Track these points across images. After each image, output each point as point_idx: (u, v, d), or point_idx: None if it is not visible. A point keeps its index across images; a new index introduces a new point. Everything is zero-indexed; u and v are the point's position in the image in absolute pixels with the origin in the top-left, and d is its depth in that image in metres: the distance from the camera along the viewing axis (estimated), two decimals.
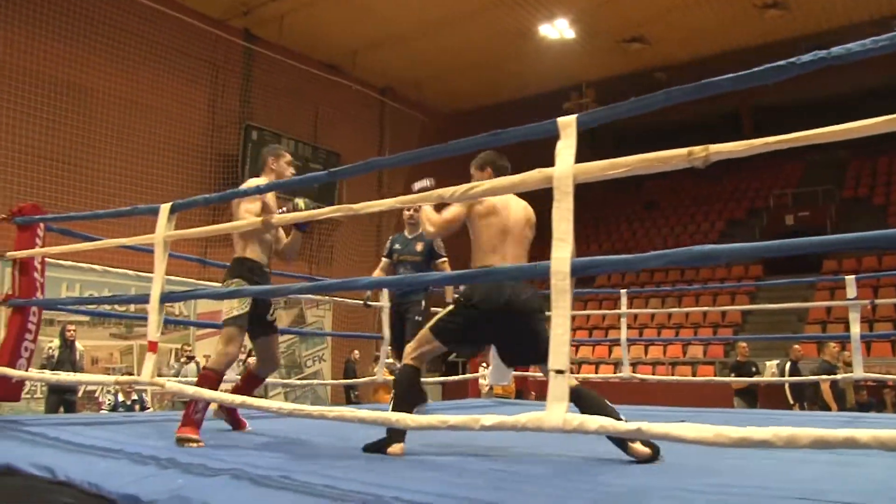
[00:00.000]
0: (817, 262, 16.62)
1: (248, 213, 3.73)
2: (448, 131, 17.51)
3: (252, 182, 3.87)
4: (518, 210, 3.55)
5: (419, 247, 5.60)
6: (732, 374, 10.58)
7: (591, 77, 17.76)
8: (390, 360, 11.05)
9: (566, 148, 2.13)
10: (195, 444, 3.45)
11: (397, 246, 5.73)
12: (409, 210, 5.47)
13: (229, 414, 4.36)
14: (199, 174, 14.14)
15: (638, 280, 18.39)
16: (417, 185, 3.51)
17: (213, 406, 3.93)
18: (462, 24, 14.98)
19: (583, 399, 3.01)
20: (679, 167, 2.01)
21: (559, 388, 2.02)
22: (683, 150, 1.95)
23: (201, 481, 2.45)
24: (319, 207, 3.15)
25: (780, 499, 2.32)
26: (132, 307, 10.13)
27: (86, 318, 10.97)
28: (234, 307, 3.81)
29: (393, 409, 3.19)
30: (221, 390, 3.54)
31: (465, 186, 2.37)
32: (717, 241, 18.22)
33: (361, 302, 6.51)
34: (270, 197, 3.89)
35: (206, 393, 3.12)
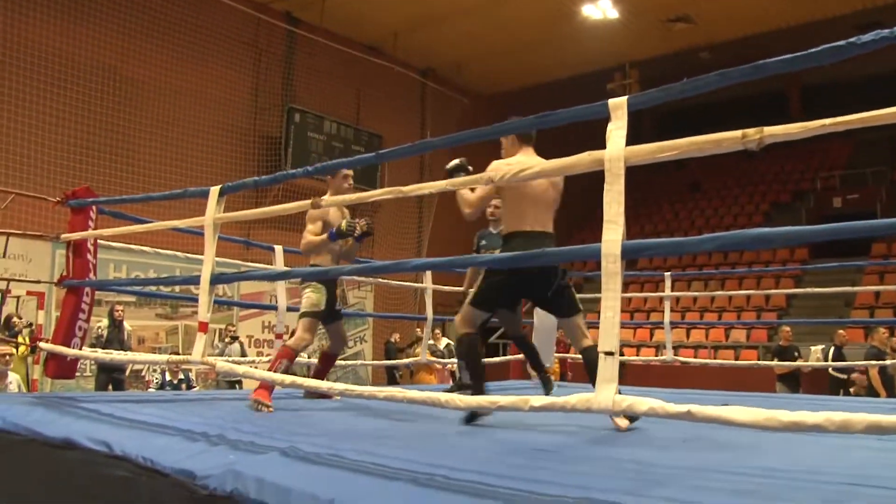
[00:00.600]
0: (866, 246, 16.28)
1: (310, 233, 4.58)
2: (489, 113, 17.47)
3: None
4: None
5: None
6: (775, 359, 10.44)
7: (635, 57, 17.53)
8: (432, 342, 11.16)
9: (617, 129, 2.12)
10: (267, 409, 4.04)
11: (484, 242, 5.79)
12: (491, 207, 5.47)
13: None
14: (243, 156, 14.34)
15: (680, 263, 18.17)
16: (450, 164, 3.89)
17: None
18: (504, 4, 14.91)
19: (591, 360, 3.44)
20: (732, 150, 2.00)
21: (609, 369, 2.03)
22: (737, 133, 1.94)
23: (252, 458, 2.50)
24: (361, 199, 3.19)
25: (830, 484, 2.30)
26: (177, 288, 10.36)
27: (132, 299, 11.20)
28: (313, 303, 4.53)
29: (469, 378, 4.00)
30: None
31: (515, 168, 2.37)
32: (762, 225, 18.08)
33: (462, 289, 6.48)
34: (333, 212, 4.67)
35: (256, 373, 3.17)
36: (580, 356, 3.87)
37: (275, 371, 4.20)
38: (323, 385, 2.83)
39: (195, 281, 3.38)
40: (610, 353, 2.04)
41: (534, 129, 2.36)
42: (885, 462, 2.84)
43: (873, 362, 9.02)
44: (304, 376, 4.64)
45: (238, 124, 14.40)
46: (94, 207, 4.69)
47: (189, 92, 13.48)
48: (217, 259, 3.47)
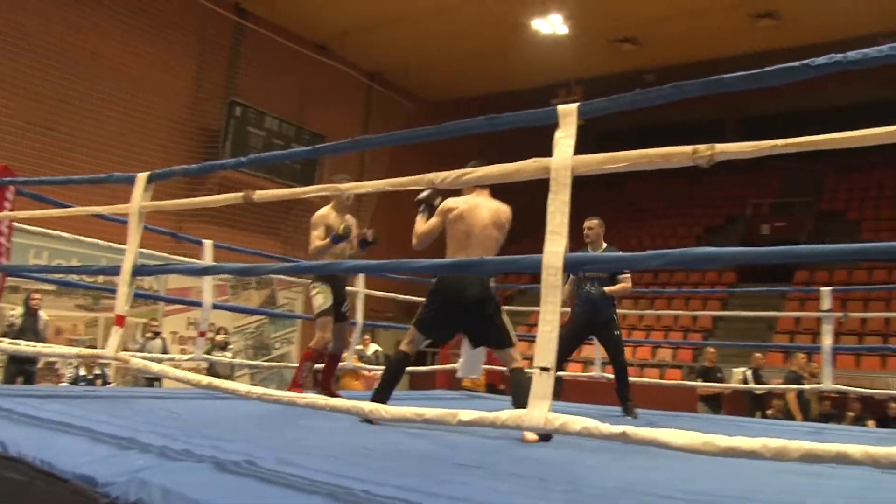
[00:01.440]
0: (789, 272, 16.72)
1: (316, 238, 4.96)
2: (433, 120, 17.19)
3: (320, 212, 5.10)
4: (484, 214, 4.10)
5: None
6: (699, 380, 10.58)
7: (581, 75, 17.67)
8: (360, 347, 10.99)
9: (565, 138, 2.05)
10: None
11: None
12: (586, 229, 5.92)
13: (325, 388, 5.21)
14: (180, 147, 13.90)
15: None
16: (420, 196, 4.25)
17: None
18: (456, 12, 14.87)
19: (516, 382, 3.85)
20: (682, 165, 1.94)
21: (543, 385, 1.95)
22: (688, 148, 1.88)
23: (162, 465, 2.34)
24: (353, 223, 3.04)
25: None
26: (100, 278, 9.98)
27: (52, 288, 10.75)
28: (322, 303, 4.90)
29: (377, 389, 4.07)
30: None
31: (457, 172, 2.29)
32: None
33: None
34: (333, 217, 5.04)
35: (172, 372, 3.00)
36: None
37: (301, 372, 4.82)
38: (241, 388, 2.68)
39: (115, 271, 3.19)
40: (545, 369, 1.96)
41: (482, 131, 2.27)
42: (813, 488, 2.83)
43: (791, 386, 9.22)
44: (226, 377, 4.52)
45: (177, 113, 13.96)
46: (11, 188, 4.44)
47: (128, 75, 12.93)
48: (144, 251, 3.31)
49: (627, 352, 15.20)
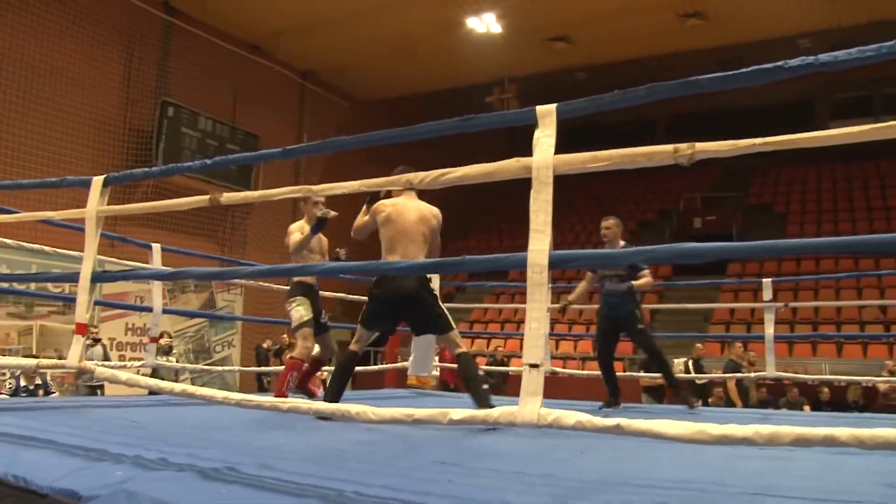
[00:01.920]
0: (722, 265, 17.21)
1: (294, 242, 5.11)
2: (369, 118, 17.39)
3: (293, 226, 5.29)
4: (412, 214, 4.42)
5: None
6: (643, 371, 10.80)
7: (515, 73, 17.86)
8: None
9: (545, 137, 2.09)
10: None
11: None
12: (603, 229, 6.03)
13: (304, 388, 5.37)
14: (111, 148, 13.51)
15: (565, 275, 18.59)
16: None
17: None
18: (389, 11, 14.83)
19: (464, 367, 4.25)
20: (663, 163, 2.00)
21: (533, 382, 1.99)
22: (669, 147, 1.94)
23: (144, 475, 2.30)
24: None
25: (737, 494, 2.35)
26: (33, 286, 9.66)
27: None
28: (303, 315, 5.10)
29: (328, 388, 4.44)
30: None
31: (436, 172, 2.30)
32: (629, 242, 18.76)
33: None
34: (306, 226, 5.17)
35: (142, 380, 2.95)
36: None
37: (286, 383, 4.87)
38: (218, 395, 2.64)
39: (74, 279, 3.11)
40: (535, 365, 1.99)
41: (456, 132, 2.29)
42: (776, 470, 2.93)
43: (730, 375, 9.51)
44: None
45: (106, 114, 13.53)
46: None
47: (53, 73, 12.43)
48: (75, 255, 3.22)
49: (569, 346, 15.50)
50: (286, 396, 4.66)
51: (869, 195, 18.99)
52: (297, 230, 5.19)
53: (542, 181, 2.05)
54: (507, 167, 2.18)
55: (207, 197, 2.90)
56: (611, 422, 1.86)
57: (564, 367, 13.31)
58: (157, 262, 5.36)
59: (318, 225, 4.98)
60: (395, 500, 2.09)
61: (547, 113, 2.13)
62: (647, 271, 5.93)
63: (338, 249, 5.44)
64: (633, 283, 5.81)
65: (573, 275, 18.25)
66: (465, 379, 4.34)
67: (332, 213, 4.90)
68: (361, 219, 4.57)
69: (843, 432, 1.66)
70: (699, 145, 1.93)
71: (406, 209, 4.44)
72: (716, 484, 2.52)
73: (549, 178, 2.04)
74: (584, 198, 23.15)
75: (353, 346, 4.40)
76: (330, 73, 17.91)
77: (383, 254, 4.38)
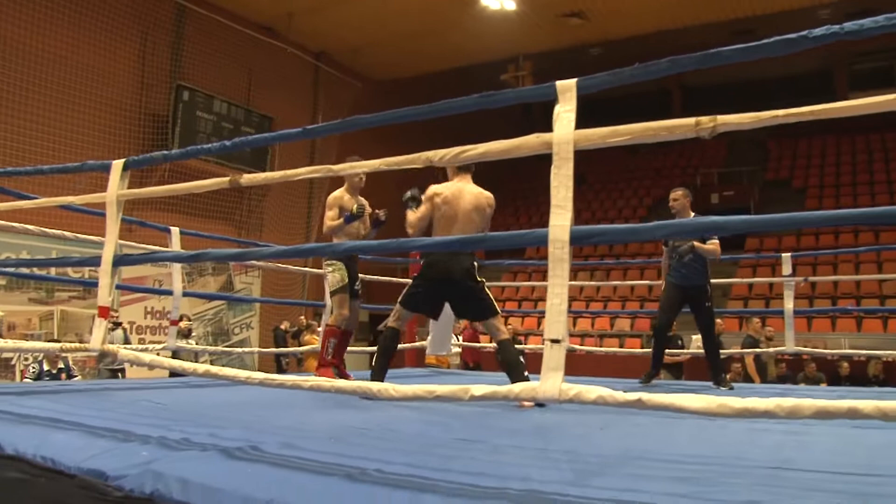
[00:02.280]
0: (740, 241, 17.10)
1: (329, 219, 5.17)
2: (383, 99, 17.29)
3: (334, 194, 5.28)
4: (468, 200, 4.42)
5: None
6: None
7: (529, 50, 17.74)
8: (320, 328, 10.93)
9: (565, 112, 2.08)
10: None
11: None
12: (671, 201, 5.97)
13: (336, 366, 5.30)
14: (128, 134, 13.57)
15: (581, 252, 18.57)
16: (406, 195, 4.68)
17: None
18: None
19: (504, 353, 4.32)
20: (685, 136, 1.98)
21: (555, 357, 1.99)
22: (691, 120, 1.92)
23: (170, 455, 2.32)
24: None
25: (757, 468, 2.35)
26: (53, 270, 9.76)
27: (2, 282, 10.48)
28: (338, 280, 5.16)
29: (373, 367, 4.46)
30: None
31: (457, 149, 2.29)
32: (646, 218, 18.68)
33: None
34: (347, 199, 5.25)
35: (166, 362, 2.97)
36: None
37: (326, 350, 5.04)
38: (241, 374, 2.66)
39: (95, 262, 3.13)
40: (556, 341, 1.99)
41: (477, 108, 2.28)
42: (796, 444, 2.93)
43: (749, 350, 9.46)
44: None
45: (122, 99, 13.58)
46: None
47: (69, 61, 12.51)
48: (95, 239, 3.24)
49: (586, 323, 15.50)
50: (328, 363, 4.99)
51: (890, 167, 18.75)
52: (335, 203, 5.24)
53: (562, 156, 2.04)
54: (527, 143, 2.17)
55: (227, 179, 2.91)
56: (633, 396, 1.85)
57: (582, 345, 13.36)
58: (176, 245, 5.40)
59: (351, 217, 5.09)
60: (417, 477, 2.11)
61: (567, 88, 2.11)
62: (716, 240, 5.87)
63: (377, 211, 5.38)
64: (695, 243, 5.76)
65: (590, 251, 18.22)
66: (505, 364, 4.35)
67: (368, 210, 5.06)
68: (416, 213, 4.55)
69: (866, 405, 1.65)
70: (721, 118, 1.91)
71: (462, 193, 4.45)
72: (735, 458, 2.52)
73: (569, 153, 2.03)
74: (597, 173, 23.04)
75: (392, 323, 4.50)
76: (343, 53, 17.85)
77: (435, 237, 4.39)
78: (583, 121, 2.11)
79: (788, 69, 20.26)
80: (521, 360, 4.47)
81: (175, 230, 5.44)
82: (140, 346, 6.94)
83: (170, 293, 5.54)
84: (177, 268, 5.48)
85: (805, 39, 1.87)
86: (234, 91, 15.63)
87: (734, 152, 21.79)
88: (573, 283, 15.66)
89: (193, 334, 10.94)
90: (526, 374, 4.20)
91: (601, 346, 14.05)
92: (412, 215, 4.56)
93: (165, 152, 3.20)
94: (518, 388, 2.01)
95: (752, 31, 20.55)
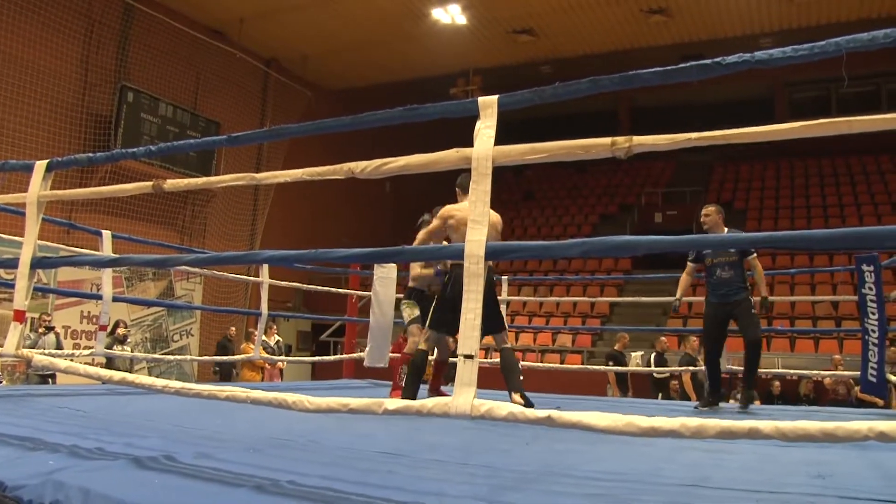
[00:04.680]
0: (682, 259, 17.36)
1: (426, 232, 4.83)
2: (333, 108, 17.29)
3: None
4: None
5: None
6: (610, 363, 10.84)
7: (479, 65, 17.86)
8: (265, 338, 10.81)
9: (486, 128, 2.09)
10: None
11: (707, 250, 5.71)
12: (702, 216, 5.85)
13: (436, 390, 5.57)
14: (69, 134, 13.23)
15: (511, 267, 18.67)
16: (422, 218, 5.12)
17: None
18: (355, 0, 14.76)
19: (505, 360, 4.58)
20: (600, 156, 2.00)
21: (467, 372, 1.99)
22: (607, 140, 1.95)
23: (77, 464, 2.27)
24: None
25: (671, 485, 2.38)
26: None
27: None
28: (409, 314, 5.69)
29: (405, 385, 4.72)
30: None
31: (378, 161, 2.29)
32: (591, 235, 18.93)
33: (674, 301, 6.44)
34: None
35: (83, 369, 2.90)
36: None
37: (399, 375, 5.48)
38: (158, 383, 2.61)
39: (13, 265, 3.04)
40: (469, 357, 1.99)
41: (401, 122, 2.28)
42: (714, 463, 2.98)
43: (686, 368, 9.61)
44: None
45: (64, 98, 13.23)
46: None
47: (6, 55, 12.14)
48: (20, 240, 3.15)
49: (528, 338, 15.57)
50: (398, 387, 5.42)
51: (825, 192, 19.31)
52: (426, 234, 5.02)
53: (481, 172, 2.05)
54: (447, 157, 2.18)
55: (151, 183, 2.85)
56: (543, 413, 1.87)
57: (524, 360, 13.42)
58: (107, 249, 5.26)
59: (441, 273, 5.19)
60: (330, 490, 2.09)
61: (489, 104, 2.12)
62: (755, 255, 5.78)
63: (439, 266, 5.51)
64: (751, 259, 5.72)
65: (534, 266, 18.35)
66: (504, 371, 4.62)
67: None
68: (425, 234, 4.66)
69: (766, 425, 1.68)
70: (636, 139, 1.94)
71: None
72: (652, 475, 2.55)
73: (488, 168, 2.04)
74: (545, 190, 23.28)
75: (423, 346, 4.76)
76: (294, 61, 17.74)
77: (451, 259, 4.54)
78: (533, 138, 2.13)
79: (733, 94, 20.80)
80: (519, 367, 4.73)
81: (107, 234, 5.32)
82: (68, 352, 6.74)
83: (100, 297, 5.41)
84: (108, 272, 5.34)
85: (719, 66, 1.91)
86: (181, 94, 15.40)
87: (679, 173, 22.23)
88: (516, 298, 15.82)
89: (129, 340, 10.69)
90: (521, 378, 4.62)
91: (542, 362, 14.14)
92: (423, 234, 4.70)
93: (91, 154, 3.12)
94: (431, 403, 2.00)
95: (700, 55, 21.04)
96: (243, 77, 16.81)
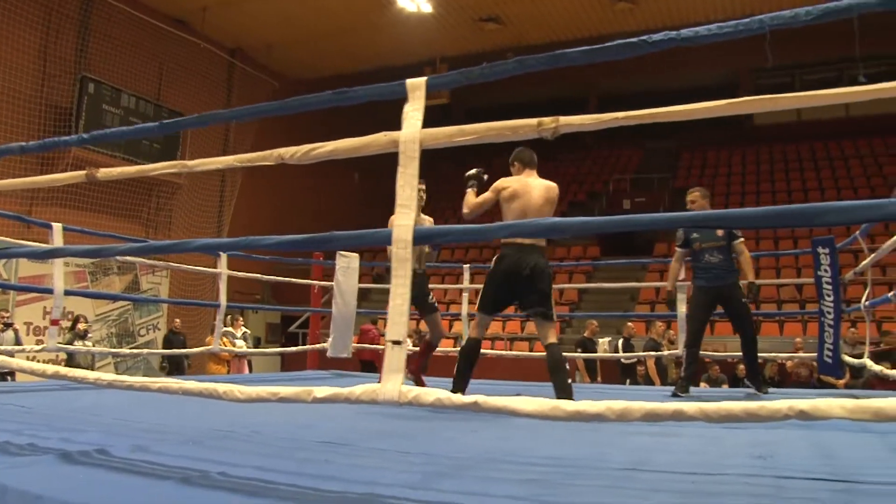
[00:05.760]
0: (649, 246, 17.53)
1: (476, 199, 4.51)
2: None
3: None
4: (539, 193, 4.31)
5: (720, 231, 5.54)
6: (579, 350, 10.85)
7: (446, 53, 17.77)
8: (230, 329, 10.72)
9: (414, 111, 2.05)
10: None
11: (696, 234, 5.63)
12: (688, 203, 5.70)
13: (418, 379, 5.34)
14: (27, 126, 12.89)
15: (481, 256, 18.67)
16: (470, 172, 4.53)
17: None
18: None
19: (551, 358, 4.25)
20: (528, 137, 1.98)
21: (395, 359, 1.96)
22: (533, 121, 1.92)
23: (1, 461, 2.21)
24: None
25: (609, 469, 2.37)
26: None
27: None
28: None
29: (456, 377, 4.34)
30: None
31: (306, 147, 2.25)
32: None
33: (668, 292, 6.34)
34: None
35: (14, 363, 2.84)
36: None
37: (420, 364, 5.39)
38: (90, 376, 2.56)
39: None
40: (397, 342, 1.96)
41: (331, 105, 2.23)
42: (659, 446, 2.98)
43: (651, 353, 9.67)
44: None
45: (21, 89, 12.92)
46: None
47: None
48: None
49: (497, 326, 15.60)
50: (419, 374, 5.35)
51: (790, 177, 19.52)
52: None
53: (408, 155, 2.01)
54: (376, 141, 2.14)
55: (84, 172, 2.79)
56: (469, 399, 1.84)
57: (493, 348, 13.43)
58: (57, 242, 5.16)
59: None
60: (260, 481, 2.05)
61: (417, 86, 2.09)
62: (742, 240, 5.68)
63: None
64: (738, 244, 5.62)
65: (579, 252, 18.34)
66: (551, 371, 4.27)
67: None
68: (476, 197, 4.40)
69: (690, 407, 1.67)
70: (563, 119, 1.92)
71: (532, 186, 4.35)
72: (593, 460, 2.55)
73: (415, 152, 2.00)
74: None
75: (473, 334, 4.45)
76: (259, 50, 17.54)
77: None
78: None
79: (699, 81, 20.85)
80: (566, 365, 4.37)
81: (57, 226, 5.20)
82: (18, 348, 6.61)
83: (51, 292, 5.31)
84: (58, 266, 5.24)
85: (645, 44, 1.89)
86: (144, 85, 15.16)
87: (647, 160, 22.35)
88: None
89: (90, 335, 10.55)
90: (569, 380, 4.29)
91: (511, 350, 14.18)
92: (472, 197, 4.42)
93: (23, 144, 3.04)
94: (359, 390, 1.97)
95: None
96: (207, 67, 16.57)
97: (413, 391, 1.92)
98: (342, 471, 2.28)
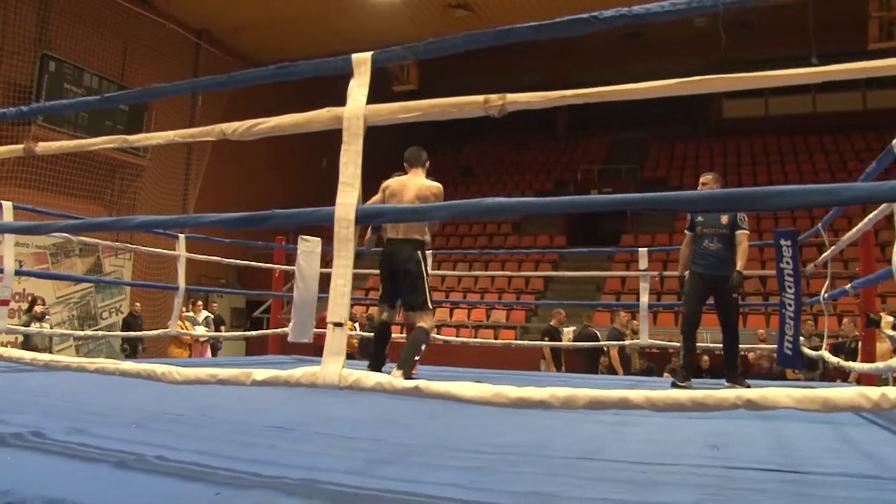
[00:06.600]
0: (616, 236, 17.61)
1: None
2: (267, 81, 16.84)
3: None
4: (412, 191, 4.66)
5: (724, 219, 5.45)
6: (546, 339, 10.83)
7: (415, 39, 17.51)
8: (190, 313, 10.59)
9: (359, 87, 1.99)
10: None
11: (700, 218, 5.55)
12: (700, 186, 5.51)
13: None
14: None
15: (448, 244, 18.64)
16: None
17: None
18: None
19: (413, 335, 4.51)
20: (475, 114, 1.93)
21: (336, 341, 1.90)
22: (480, 98, 1.87)
23: None
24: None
25: (556, 458, 2.34)
26: None
27: None
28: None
29: (372, 356, 4.88)
30: None
31: (248, 122, 2.17)
32: None
33: (679, 277, 5.95)
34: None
35: None
36: None
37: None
38: (26, 355, 2.48)
39: None
40: (338, 325, 1.91)
41: (273, 80, 2.17)
42: (614, 435, 2.96)
43: (614, 342, 9.69)
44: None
45: None
46: None
47: None
48: None
49: (462, 314, 15.55)
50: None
51: (757, 171, 19.71)
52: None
53: (352, 132, 1.95)
54: (319, 117, 2.07)
55: (21, 146, 2.69)
56: (411, 384, 1.79)
57: (458, 335, 13.42)
58: (7, 220, 5.03)
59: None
60: (197, 465, 2.00)
61: (362, 61, 2.03)
62: (745, 232, 5.51)
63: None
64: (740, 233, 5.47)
65: (470, 243, 18.32)
66: (406, 345, 4.54)
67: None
68: (368, 231, 5.02)
69: (636, 395, 1.63)
70: (510, 96, 1.87)
71: (405, 186, 4.71)
72: (542, 448, 2.51)
73: (360, 129, 1.95)
74: (484, 166, 23.27)
75: (378, 317, 4.98)
76: (226, 32, 17.28)
77: (387, 230, 4.77)
78: None
79: (670, 74, 20.96)
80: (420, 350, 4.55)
81: (7, 204, 5.07)
82: None
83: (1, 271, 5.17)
84: (8, 245, 5.11)
85: (596, 20, 1.85)
86: (107, 65, 14.85)
87: (615, 151, 22.45)
88: (451, 273, 15.80)
89: (48, 318, 10.34)
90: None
91: (476, 338, 14.17)
92: (366, 232, 5.01)
93: None
94: (299, 373, 1.91)
95: (641, 34, 21.30)
96: (173, 48, 16.26)
97: (353, 374, 1.86)
98: (284, 456, 2.22)
